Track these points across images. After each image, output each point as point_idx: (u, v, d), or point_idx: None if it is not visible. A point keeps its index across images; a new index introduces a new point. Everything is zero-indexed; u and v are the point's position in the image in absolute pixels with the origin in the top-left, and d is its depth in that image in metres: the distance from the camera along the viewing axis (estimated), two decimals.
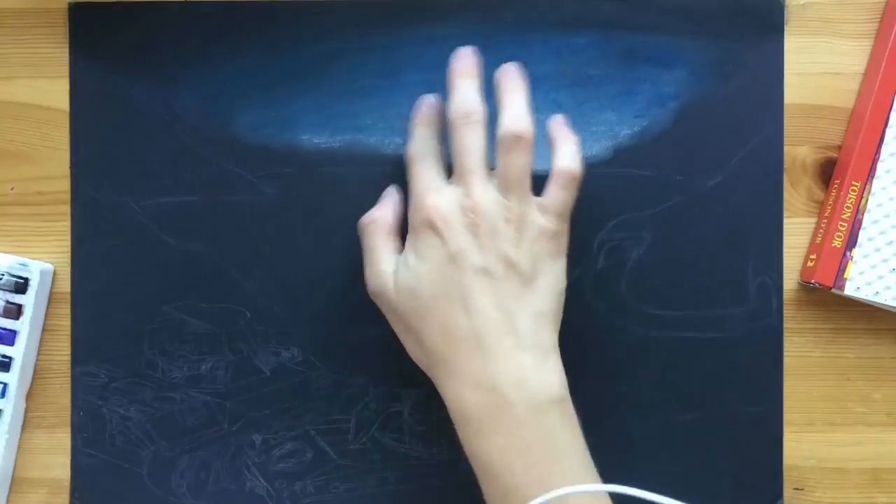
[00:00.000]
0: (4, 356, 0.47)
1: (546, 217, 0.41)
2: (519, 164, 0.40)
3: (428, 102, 0.44)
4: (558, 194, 0.41)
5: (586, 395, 0.48)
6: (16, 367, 0.47)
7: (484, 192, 0.40)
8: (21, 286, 0.47)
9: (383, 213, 0.44)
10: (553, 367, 0.40)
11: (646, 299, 0.47)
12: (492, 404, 0.39)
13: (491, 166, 0.41)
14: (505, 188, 0.40)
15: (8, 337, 0.47)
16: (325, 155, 0.48)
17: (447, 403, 0.40)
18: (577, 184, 0.42)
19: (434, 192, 0.41)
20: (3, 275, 0.47)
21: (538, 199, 0.41)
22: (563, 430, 0.39)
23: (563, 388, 0.40)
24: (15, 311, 0.47)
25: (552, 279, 0.41)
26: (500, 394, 0.39)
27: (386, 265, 0.42)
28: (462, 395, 0.39)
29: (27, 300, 0.47)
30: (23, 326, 0.47)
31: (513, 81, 0.42)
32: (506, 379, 0.39)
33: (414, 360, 0.42)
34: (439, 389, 0.41)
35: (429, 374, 0.42)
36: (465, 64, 0.42)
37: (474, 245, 0.40)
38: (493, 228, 0.40)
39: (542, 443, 0.39)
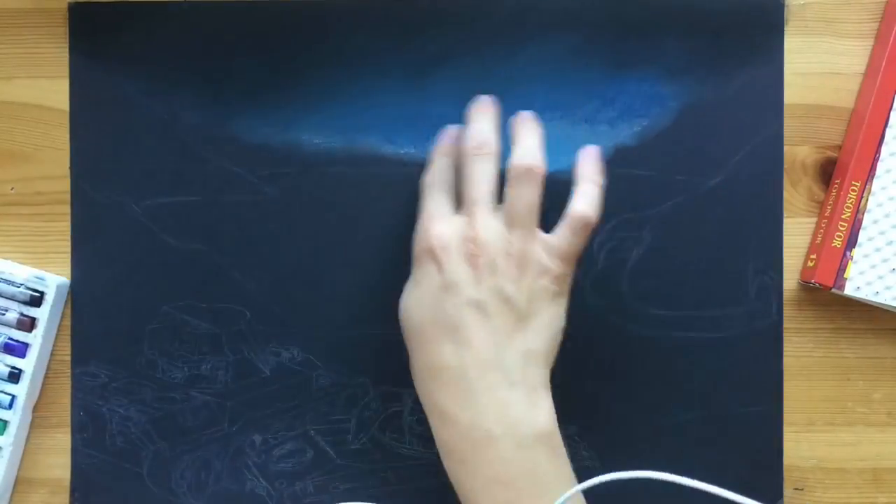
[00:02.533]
0: (15, 368, 0.47)
1: (550, 258, 0.40)
2: (527, 198, 0.40)
3: (450, 133, 0.44)
4: (568, 238, 0.40)
5: (586, 394, 0.48)
6: (25, 379, 0.47)
7: (487, 223, 0.40)
8: (36, 299, 0.47)
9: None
10: (540, 403, 0.39)
11: (646, 299, 0.47)
12: (475, 438, 0.38)
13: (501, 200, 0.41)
14: (510, 222, 0.40)
15: (20, 349, 0.47)
16: (325, 155, 0.48)
17: (435, 438, 0.40)
18: (589, 231, 0.41)
19: (438, 220, 0.41)
20: (20, 286, 0.47)
21: (545, 237, 0.41)
22: (549, 465, 0.39)
23: (550, 422, 0.39)
24: (28, 324, 0.47)
25: (548, 319, 0.40)
26: (484, 429, 0.38)
27: (404, 292, 0.42)
28: (445, 426, 0.39)
29: (41, 314, 0.47)
30: (35, 339, 0.47)
31: (528, 124, 0.42)
32: (490, 414, 0.38)
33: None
34: (427, 415, 0.41)
35: (423, 405, 0.41)
36: (484, 103, 0.43)
37: (471, 277, 0.39)
38: (491, 262, 0.39)
39: (527, 477, 0.38)
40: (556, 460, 0.39)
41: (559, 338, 0.41)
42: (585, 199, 0.41)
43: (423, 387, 0.40)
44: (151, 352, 0.48)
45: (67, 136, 0.48)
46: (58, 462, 0.48)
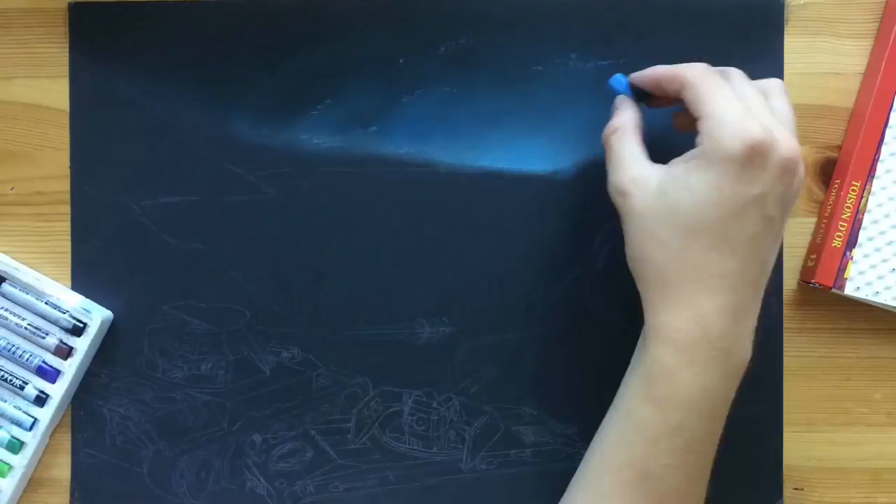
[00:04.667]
0: (43, 393, 0.47)
1: (800, 163, 0.39)
2: (788, 106, 0.41)
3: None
4: (787, 108, 0.41)
5: (586, 395, 0.48)
6: (51, 405, 0.47)
7: (794, 141, 0.38)
8: (79, 329, 0.46)
9: (625, 119, 0.42)
10: (751, 335, 0.40)
11: None
12: (697, 340, 0.38)
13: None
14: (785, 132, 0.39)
15: (52, 374, 0.47)
16: (325, 155, 0.48)
17: (649, 322, 0.39)
18: (786, 90, 0.42)
19: (753, 122, 0.38)
20: (65, 312, 0.47)
21: (777, 120, 0.40)
22: (727, 400, 0.40)
23: (748, 360, 0.40)
24: (66, 352, 0.47)
25: (785, 225, 0.41)
26: (711, 338, 0.38)
27: (639, 168, 0.40)
28: (676, 321, 0.38)
29: (81, 344, 0.47)
30: (69, 369, 0.47)
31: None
32: (726, 329, 0.38)
33: (628, 262, 0.41)
34: (645, 305, 0.40)
35: (636, 282, 0.40)
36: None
37: (778, 195, 0.38)
38: (796, 184, 0.38)
39: (726, 399, 0.40)
40: (729, 399, 0.41)
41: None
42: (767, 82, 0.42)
43: (659, 277, 0.39)
44: (151, 352, 0.48)
45: (67, 136, 0.48)
46: (58, 462, 0.48)
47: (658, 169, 0.40)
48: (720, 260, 0.38)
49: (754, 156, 0.37)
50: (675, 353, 0.38)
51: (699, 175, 0.38)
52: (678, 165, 0.39)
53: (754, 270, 0.39)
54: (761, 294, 0.40)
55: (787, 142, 0.38)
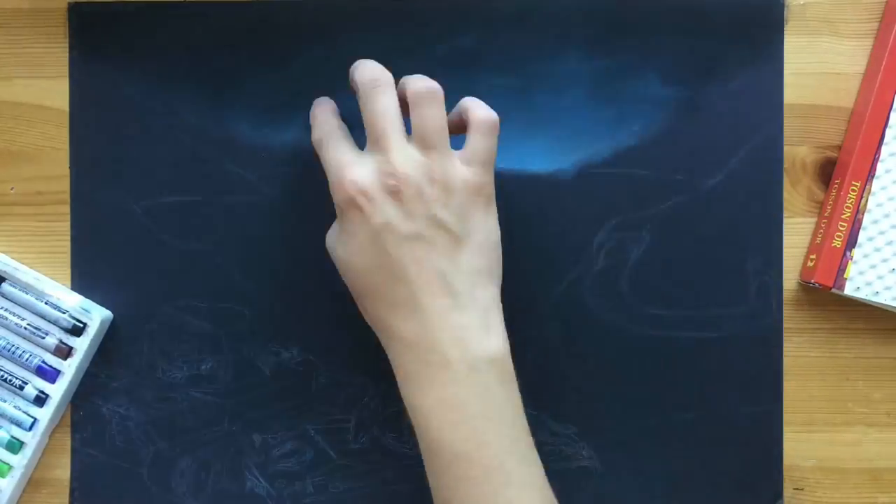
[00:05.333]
0: (43, 392, 0.47)
1: (471, 169, 0.40)
2: (435, 117, 0.40)
3: (322, 98, 0.44)
4: (480, 142, 0.40)
5: (586, 394, 0.48)
6: (51, 405, 0.47)
7: (403, 153, 0.39)
8: (78, 329, 0.46)
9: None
10: (493, 326, 0.40)
11: (645, 299, 0.47)
12: (430, 362, 0.39)
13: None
14: (424, 146, 0.40)
15: (51, 374, 0.47)
16: None
17: (392, 364, 0.41)
18: (496, 131, 0.41)
19: (350, 166, 0.40)
20: (65, 312, 0.47)
21: (459, 152, 0.41)
22: (500, 389, 0.39)
23: (502, 347, 0.40)
24: (65, 352, 0.47)
25: (485, 233, 0.40)
26: (439, 353, 0.39)
27: (329, 237, 0.42)
28: (403, 355, 0.40)
29: (80, 344, 0.46)
30: (68, 369, 0.47)
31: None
32: (445, 338, 0.39)
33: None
34: (385, 350, 0.41)
35: (377, 335, 0.42)
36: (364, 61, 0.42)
37: (400, 213, 0.39)
38: (417, 191, 0.39)
39: (477, 400, 0.39)
40: (506, 385, 0.40)
41: (499, 250, 0.41)
42: (481, 107, 0.41)
43: (380, 323, 0.41)
44: (151, 352, 0.48)
45: (67, 136, 0.48)
46: (58, 462, 0.48)
47: None
48: (393, 293, 0.40)
49: (343, 204, 0.40)
50: (406, 383, 0.40)
51: (342, 231, 0.41)
52: (337, 227, 0.42)
53: (430, 282, 0.39)
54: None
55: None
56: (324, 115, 0.43)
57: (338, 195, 0.40)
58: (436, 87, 0.40)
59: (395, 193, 0.39)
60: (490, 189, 0.41)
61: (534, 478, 0.40)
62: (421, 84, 0.40)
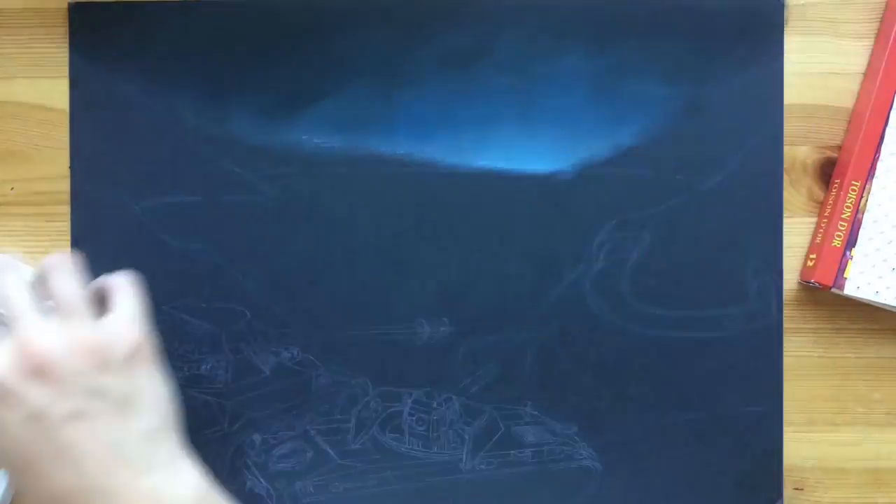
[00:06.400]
0: None
1: (123, 329, 0.39)
2: (68, 282, 0.39)
3: None
4: (125, 300, 0.40)
5: (586, 395, 0.48)
6: None
7: (43, 331, 0.37)
8: None
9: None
10: (182, 473, 0.38)
11: (646, 299, 0.47)
12: None
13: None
14: (63, 316, 0.38)
15: None
16: (325, 155, 0.48)
17: None
18: (135, 289, 0.41)
19: None
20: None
21: (106, 316, 0.39)
22: None
23: (198, 485, 0.38)
24: None
25: (152, 391, 0.39)
26: None
27: None
28: None
29: None
30: None
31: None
32: None
33: None
34: None
35: None
36: None
37: (52, 394, 0.36)
38: (68, 366, 0.36)
39: None
40: None
41: (171, 401, 0.40)
42: (112, 275, 0.42)
43: None
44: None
45: (67, 136, 0.48)
46: None
47: None
48: (61, 479, 0.36)
49: None
50: None
51: None
52: None
53: (102, 459, 0.36)
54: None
55: None
56: None
57: None
58: (64, 256, 0.39)
59: (41, 374, 0.36)
60: (147, 344, 0.40)
61: None
62: (49, 258, 0.40)
